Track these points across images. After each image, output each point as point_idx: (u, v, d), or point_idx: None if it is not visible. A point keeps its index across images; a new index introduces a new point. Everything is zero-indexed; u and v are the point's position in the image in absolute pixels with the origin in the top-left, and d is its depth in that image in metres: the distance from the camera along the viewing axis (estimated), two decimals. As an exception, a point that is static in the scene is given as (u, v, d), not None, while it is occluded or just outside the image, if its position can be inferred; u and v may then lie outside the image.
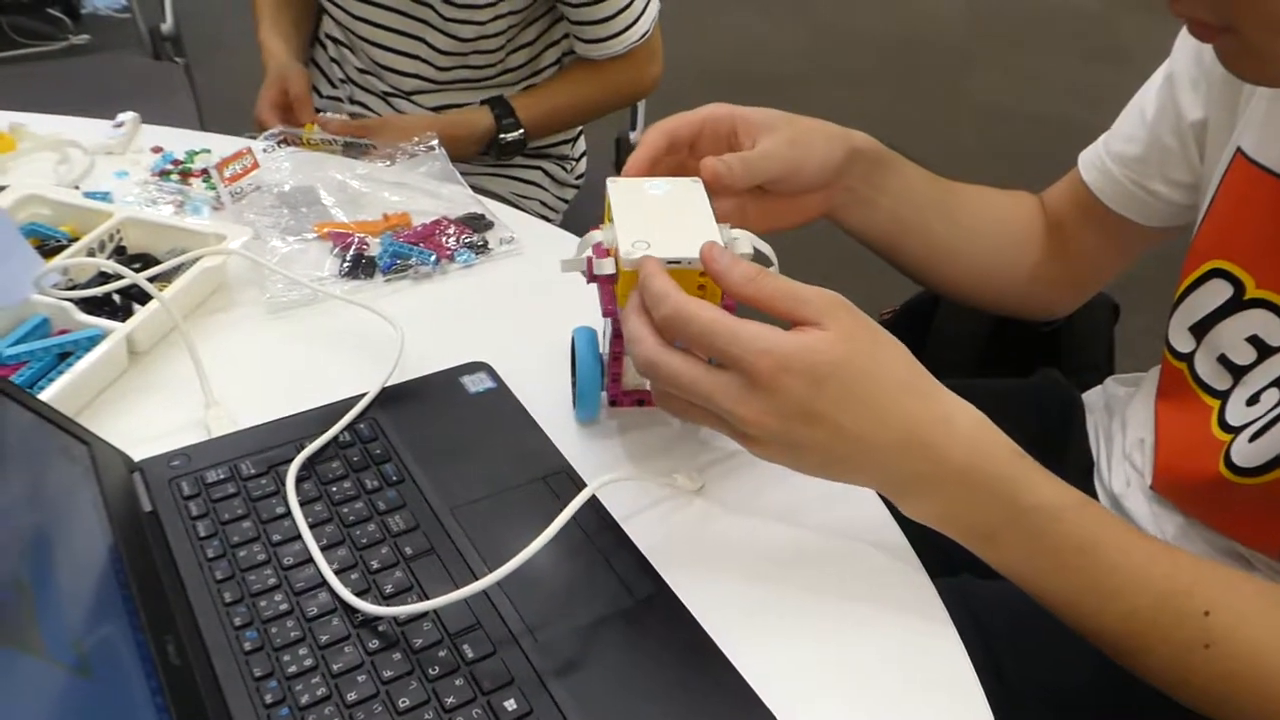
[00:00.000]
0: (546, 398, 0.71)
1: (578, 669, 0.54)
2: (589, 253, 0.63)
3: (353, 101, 1.31)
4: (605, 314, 0.65)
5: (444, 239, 0.88)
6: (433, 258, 0.85)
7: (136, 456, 0.65)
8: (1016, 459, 0.56)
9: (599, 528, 0.62)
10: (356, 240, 0.86)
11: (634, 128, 1.49)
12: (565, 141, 1.35)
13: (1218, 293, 0.74)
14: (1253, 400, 0.71)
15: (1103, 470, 0.84)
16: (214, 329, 0.78)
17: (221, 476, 0.64)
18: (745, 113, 0.71)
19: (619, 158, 1.50)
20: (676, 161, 0.71)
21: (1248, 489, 0.68)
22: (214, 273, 0.81)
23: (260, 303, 0.81)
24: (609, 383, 0.68)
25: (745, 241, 0.63)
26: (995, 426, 0.57)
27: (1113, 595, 0.56)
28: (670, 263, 0.59)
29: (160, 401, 0.72)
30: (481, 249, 0.88)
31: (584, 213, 1.36)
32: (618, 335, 0.66)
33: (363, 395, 0.69)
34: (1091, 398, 0.92)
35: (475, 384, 0.72)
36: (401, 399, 0.71)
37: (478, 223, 0.91)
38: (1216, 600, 0.56)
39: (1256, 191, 0.71)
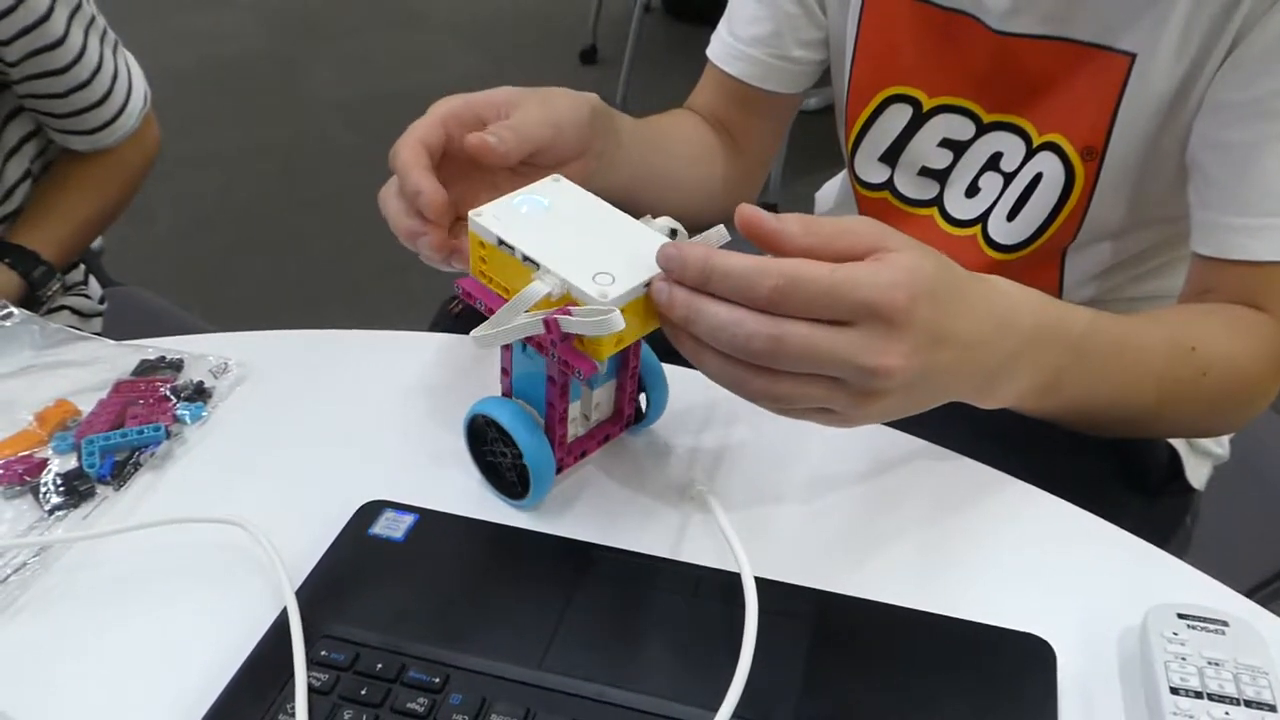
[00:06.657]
0: (466, 501, 0.57)
1: None
2: (532, 316, 0.48)
3: None
4: (560, 375, 0.52)
5: (147, 404, 0.64)
6: (162, 430, 0.62)
7: None
8: (1046, 299, 0.54)
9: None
10: (29, 464, 0.60)
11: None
12: (70, 268, 1.06)
13: (899, 116, 0.79)
14: (972, 191, 0.78)
15: None
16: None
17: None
18: (482, 95, 0.61)
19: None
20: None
21: (1009, 267, 0.74)
22: None
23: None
24: (557, 451, 0.55)
25: (665, 223, 0.53)
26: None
27: (1145, 371, 0.60)
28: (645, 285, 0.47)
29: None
30: (202, 393, 0.65)
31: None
32: (563, 391, 0.53)
33: (282, 619, 0.49)
34: None
35: (390, 527, 0.54)
36: (322, 594, 0.51)
37: (165, 367, 0.67)
38: (1191, 335, 0.62)
39: (899, 16, 0.76)
